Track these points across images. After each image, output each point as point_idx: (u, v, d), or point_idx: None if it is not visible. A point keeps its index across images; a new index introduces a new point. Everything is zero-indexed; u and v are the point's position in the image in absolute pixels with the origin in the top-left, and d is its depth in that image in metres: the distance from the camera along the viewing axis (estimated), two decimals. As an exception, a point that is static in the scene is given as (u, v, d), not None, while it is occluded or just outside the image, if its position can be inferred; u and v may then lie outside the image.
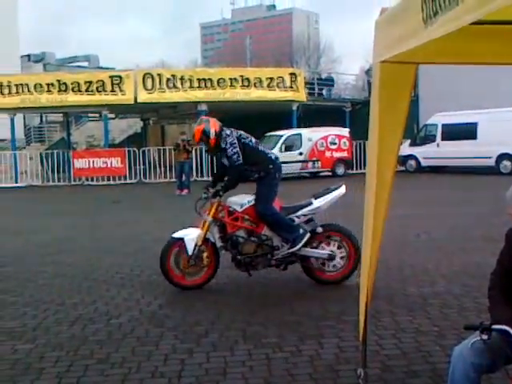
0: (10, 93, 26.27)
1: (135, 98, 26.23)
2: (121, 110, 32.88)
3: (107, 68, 47.81)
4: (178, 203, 17.97)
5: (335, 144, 25.82)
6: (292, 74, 28.34)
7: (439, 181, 22.52)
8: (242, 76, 27.22)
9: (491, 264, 3.25)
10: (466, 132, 24.37)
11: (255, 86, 27.19)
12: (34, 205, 19.10)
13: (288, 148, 24.77)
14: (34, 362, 4.86)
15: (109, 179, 25.73)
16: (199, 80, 26.72)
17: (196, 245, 6.81)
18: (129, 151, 26.24)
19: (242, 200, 6.98)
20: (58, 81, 26.31)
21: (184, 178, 20.21)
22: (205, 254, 6.86)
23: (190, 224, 7.28)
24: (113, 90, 26.25)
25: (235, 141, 6.88)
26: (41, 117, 42.96)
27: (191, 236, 6.85)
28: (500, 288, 3.10)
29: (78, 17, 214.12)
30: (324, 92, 32.29)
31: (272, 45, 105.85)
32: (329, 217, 12.67)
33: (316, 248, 7.00)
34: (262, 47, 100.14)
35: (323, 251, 7.00)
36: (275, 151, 24.46)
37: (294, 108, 28.21)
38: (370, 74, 30.22)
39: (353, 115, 29.88)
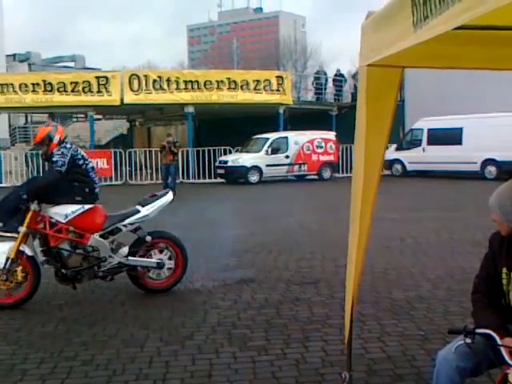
0: (-6, 92, 26.06)
1: (121, 99, 26.11)
2: (107, 111, 32.74)
3: (93, 68, 47.56)
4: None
5: (321, 147, 25.87)
6: (279, 77, 28.37)
7: (425, 185, 22.63)
8: (228, 78, 27.19)
9: (476, 268, 3.27)
10: (452, 137, 24.52)
11: (242, 88, 27.18)
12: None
13: (274, 151, 24.80)
14: (17, 364, 4.82)
15: (94, 180, 25.54)
16: (186, 82, 26.64)
17: (8, 258, 6.27)
18: (115, 152, 26.10)
19: (64, 210, 6.52)
20: (44, 81, 26.10)
21: (170, 180, 20.15)
22: (19, 269, 6.33)
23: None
24: (99, 91, 26.09)
25: (69, 153, 6.60)
26: (26, 117, 42.63)
27: (1, 249, 6.35)
28: (483, 292, 3.13)
29: (66, 18, 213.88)
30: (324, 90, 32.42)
31: (259, 47, 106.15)
32: (316, 221, 12.74)
33: (144, 256, 6.84)
34: (248, 50, 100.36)
35: (151, 260, 6.83)
36: (262, 154, 24.56)
37: (281, 111, 28.22)
38: (357, 77, 30.20)
39: (339, 119, 29.97)
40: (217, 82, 26.90)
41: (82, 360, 4.87)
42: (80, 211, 6.54)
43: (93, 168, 6.94)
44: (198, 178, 25.87)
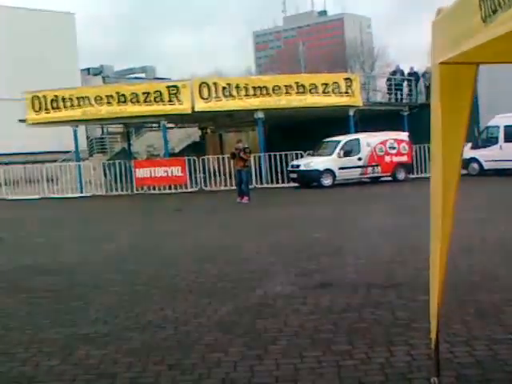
0: (72, 105, 27.02)
1: (192, 108, 26.54)
2: (178, 120, 33.33)
3: (163, 78, 48.55)
4: (238, 211, 18.11)
5: (394, 148, 25.50)
6: (347, 79, 28.15)
7: (503, 184, 21.92)
8: (296, 83, 27.19)
9: None
10: (530, 133, 23.69)
11: (310, 92, 27.12)
12: (98, 214, 19.57)
13: (347, 153, 24.63)
14: (107, 367, 4.96)
15: (170, 188, 26.08)
16: (254, 88, 26.82)
17: None
18: (189, 160, 26.50)
19: None
20: (117, 92, 26.89)
21: (243, 185, 20.34)
22: None
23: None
24: (170, 100, 26.62)
25: None
26: (102, 128, 43.95)
27: None
28: None
29: (134, 30, 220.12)
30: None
31: (325, 51, 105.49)
32: (393, 223, 12.54)
33: None
34: (314, 53, 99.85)
35: None
36: (334, 157, 24.44)
37: (351, 113, 27.98)
38: (427, 76, 29.31)
39: (411, 119, 29.43)
40: (285, 86, 26.98)
41: (169, 364, 4.96)
42: None
43: None
44: (272, 182, 25.98)
